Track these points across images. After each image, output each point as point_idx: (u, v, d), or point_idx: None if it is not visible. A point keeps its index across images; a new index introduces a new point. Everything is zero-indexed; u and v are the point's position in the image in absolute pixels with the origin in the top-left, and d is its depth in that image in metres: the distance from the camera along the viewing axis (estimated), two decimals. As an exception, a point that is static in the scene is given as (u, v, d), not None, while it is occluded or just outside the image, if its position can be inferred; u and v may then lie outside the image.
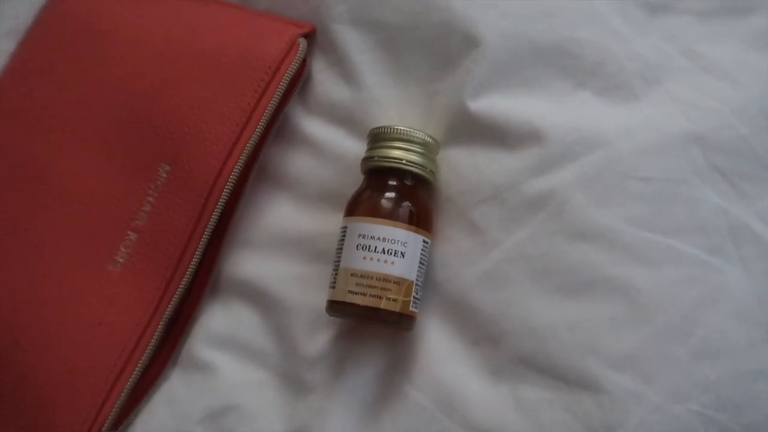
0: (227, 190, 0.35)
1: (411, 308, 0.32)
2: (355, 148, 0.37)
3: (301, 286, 0.36)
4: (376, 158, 0.33)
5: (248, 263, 0.37)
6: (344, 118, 0.38)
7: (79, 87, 0.38)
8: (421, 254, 0.32)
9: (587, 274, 0.32)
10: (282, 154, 0.38)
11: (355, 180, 0.36)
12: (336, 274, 0.32)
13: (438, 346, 0.34)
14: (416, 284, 0.32)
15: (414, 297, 0.32)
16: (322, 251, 0.36)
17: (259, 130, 0.36)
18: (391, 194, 0.33)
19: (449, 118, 0.35)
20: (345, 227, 0.33)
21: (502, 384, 0.32)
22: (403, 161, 0.33)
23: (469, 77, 0.35)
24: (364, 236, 0.31)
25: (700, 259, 0.32)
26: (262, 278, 0.37)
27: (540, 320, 0.32)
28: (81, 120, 0.38)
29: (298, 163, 0.38)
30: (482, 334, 0.33)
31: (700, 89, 0.34)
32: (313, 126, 0.38)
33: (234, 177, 0.35)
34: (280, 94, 0.36)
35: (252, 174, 0.37)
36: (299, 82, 0.38)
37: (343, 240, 0.33)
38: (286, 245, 0.37)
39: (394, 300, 0.31)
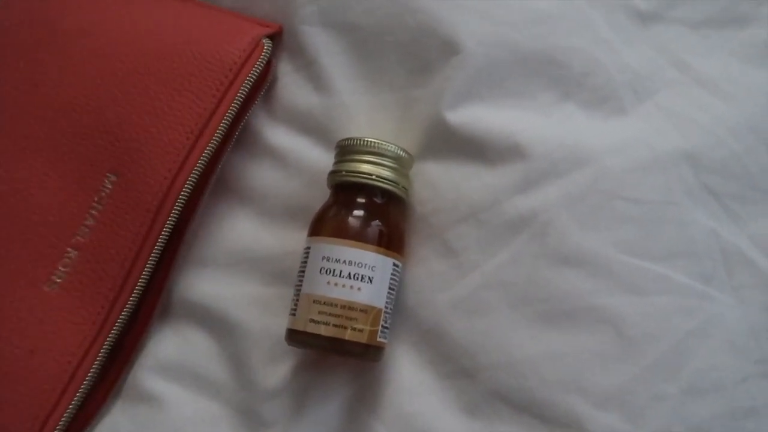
0: (179, 204, 0.32)
1: (378, 338, 0.29)
2: (322, 159, 0.34)
3: (260, 310, 0.33)
4: (343, 172, 0.30)
5: (203, 284, 0.34)
6: (311, 127, 0.35)
7: (24, 81, 0.34)
8: (391, 279, 0.30)
9: (571, 302, 0.29)
10: (243, 164, 0.35)
11: (322, 194, 0.33)
12: (297, 300, 0.29)
13: (408, 379, 0.31)
14: (385, 312, 0.29)
15: (382, 326, 0.29)
16: (285, 271, 0.33)
17: (217, 138, 0.32)
18: (359, 212, 0.30)
19: (425, 129, 0.33)
20: (308, 248, 0.30)
21: (477, 421, 0.29)
22: (373, 176, 0.30)
23: (447, 85, 0.32)
24: (328, 259, 0.29)
25: (691, 288, 0.29)
26: (217, 301, 0.34)
27: (519, 352, 0.29)
28: (23, 119, 0.34)
29: (260, 175, 0.35)
30: (456, 366, 0.30)
31: (691, 103, 0.32)
32: (277, 134, 0.35)
33: (187, 190, 0.32)
34: (241, 98, 0.33)
35: (209, 187, 0.34)
36: (263, 87, 0.35)
37: (305, 262, 0.30)
38: (245, 264, 0.34)
39: (360, 330, 0.28)
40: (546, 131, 0.31)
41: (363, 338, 0.28)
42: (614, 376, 0.28)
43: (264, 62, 0.34)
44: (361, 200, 0.30)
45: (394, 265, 0.30)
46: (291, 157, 0.35)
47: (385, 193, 0.31)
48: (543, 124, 0.32)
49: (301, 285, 0.29)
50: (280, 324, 0.32)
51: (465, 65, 0.32)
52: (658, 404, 0.28)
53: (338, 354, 0.29)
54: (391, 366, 0.31)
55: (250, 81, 0.33)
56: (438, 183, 0.32)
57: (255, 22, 0.35)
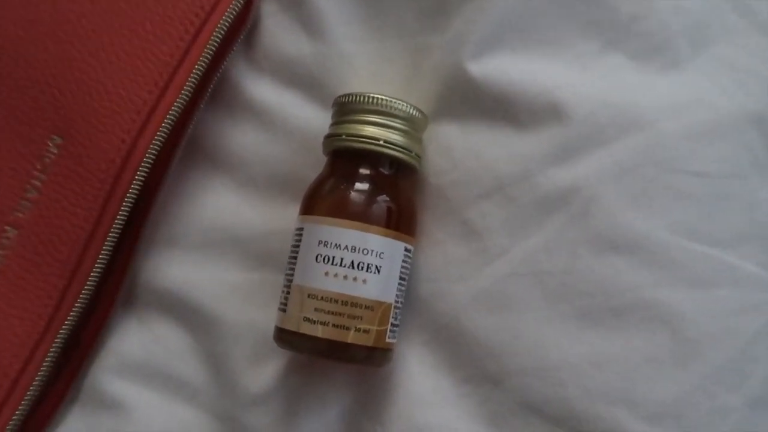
0: (142, 173, 0.26)
1: (387, 339, 0.24)
2: (316, 118, 0.28)
3: (242, 300, 0.28)
4: (343, 136, 0.25)
5: (173, 268, 0.29)
6: (302, 79, 0.29)
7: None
8: (402, 267, 0.24)
9: (618, 297, 0.24)
10: (219, 124, 0.29)
11: (316, 162, 0.27)
12: (288, 293, 0.24)
13: (419, 384, 0.26)
14: (395, 307, 0.24)
15: (392, 324, 0.24)
16: (271, 254, 0.28)
17: (187, 92, 0.27)
18: (363, 186, 0.25)
19: (441, 83, 0.27)
20: (301, 229, 0.24)
21: (503, 435, 0.25)
22: (381, 141, 0.24)
23: (469, 30, 0.26)
24: (326, 243, 0.23)
25: (759, 279, 0.25)
26: (191, 288, 0.28)
27: (556, 356, 0.24)
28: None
29: (240, 138, 0.29)
30: (477, 370, 0.25)
31: (755, 55, 0.27)
32: (260, 88, 0.29)
33: (151, 156, 0.26)
34: (215, 43, 0.27)
35: (178, 152, 0.28)
36: (243, 29, 0.28)
37: (298, 246, 0.24)
38: (224, 245, 0.29)
39: (366, 331, 0.23)
40: (588, 88, 0.26)
41: (369, 341, 0.23)
42: (669, 385, 0.24)
43: (241, 2, 0.27)
44: (364, 171, 0.25)
45: (406, 250, 0.25)
46: (277, 115, 0.29)
47: (394, 161, 0.25)
48: (585, 80, 0.26)
49: (292, 274, 0.24)
50: (267, 316, 0.27)
51: (490, 6, 0.26)
52: (719, 418, 0.24)
53: (337, 360, 0.24)
54: (400, 368, 0.26)
55: (227, 21, 0.27)
56: (457, 149, 0.27)
57: None
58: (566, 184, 0.25)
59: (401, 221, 0.25)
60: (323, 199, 0.25)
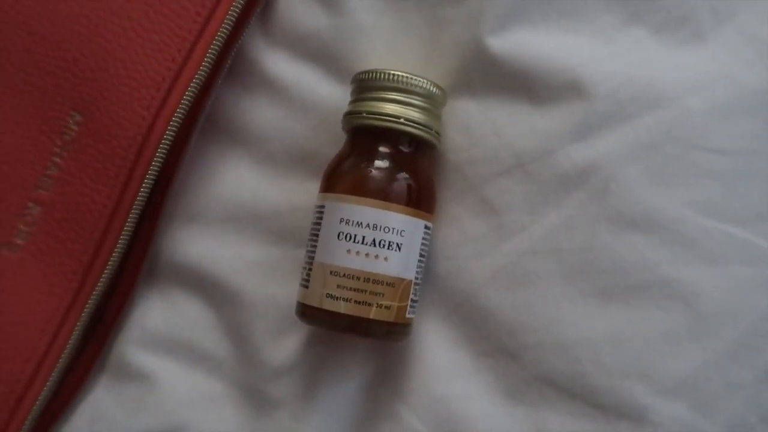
0: (163, 150, 0.26)
1: (407, 315, 0.24)
2: (334, 93, 0.28)
3: (263, 275, 0.28)
4: (364, 114, 0.25)
5: (195, 244, 0.29)
6: (319, 54, 0.28)
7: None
8: (422, 245, 0.25)
9: (637, 274, 0.25)
10: (236, 100, 0.29)
11: (334, 137, 0.27)
12: (310, 270, 0.24)
13: (438, 357, 0.27)
14: (415, 284, 0.25)
15: (411, 300, 0.25)
16: (292, 229, 0.28)
17: (206, 67, 0.26)
18: (385, 164, 0.25)
19: (460, 58, 0.27)
20: (322, 206, 0.25)
21: (520, 407, 0.26)
22: (401, 119, 0.24)
23: (489, 3, 0.26)
24: (348, 222, 0.23)
25: (776, 256, 0.25)
26: (212, 263, 0.29)
27: (573, 332, 0.25)
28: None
29: (258, 114, 0.29)
30: (495, 344, 0.26)
31: None
32: (277, 63, 0.29)
33: (171, 132, 0.26)
34: (233, 17, 0.27)
35: (197, 128, 0.28)
36: (259, 4, 0.28)
37: (319, 224, 0.24)
38: (243, 221, 0.29)
39: (387, 307, 0.24)
40: (610, 63, 0.26)
41: (390, 316, 0.24)
42: (685, 360, 0.24)
43: None
44: (385, 149, 0.25)
45: (425, 227, 0.25)
46: (295, 91, 0.29)
47: (413, 139, 0.25)
48: (606, 54, 0.26)
49: (314, 251, 0.24)
50: (288, 290, 0.27)
51: None
52: (732, 392, 0.24)
53: (359, 335, 0.25)
54: (419, 342, 0.27)
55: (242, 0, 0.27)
56: (475, 126, 0.27)
57: None
58: (586, 161, 0.25)
59: (421, 199, 0.25)
60: (344, 176, 0.25)
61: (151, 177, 0.27)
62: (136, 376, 0.28)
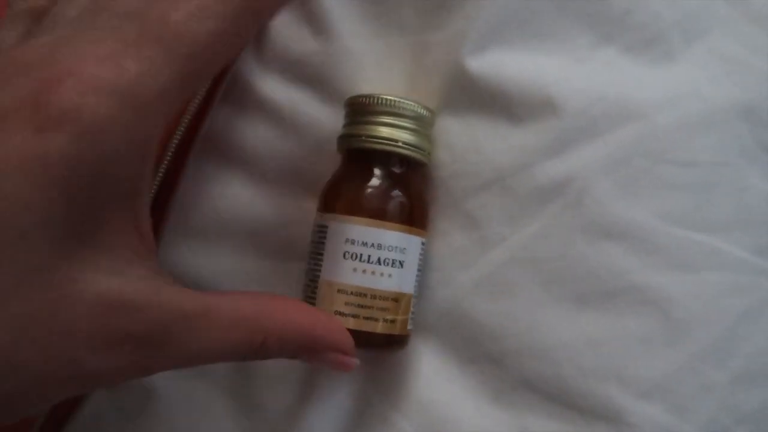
0: (160, 171, 0.28)
1: (408, 327, 0.26)
2: (324, 114, 0.30)
3: (258, 287, 0.30)
4: (363, 137, 0.26)
5: (193, 258, 0.30)
6: (310, 77, 0.30)
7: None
8: (419, 258, 0.26)
9: (611, 281, 0.26)
10: (233, 122, 0.31)
11: (325, 156, 0.29)
12: (315, 288, 0.25)
13: (426, 363, 0.28)
14: (414, 297, 0.26)
15: (411, 312, 0.26)
16: (285, 244, 0.30)
17: (200, 96, 0.28)
18: (383, 184, 0.26)
19: (442, 79, 0.28)
20: (324, 227, 0.26)
21: (504, 411, 0.27)
22: (399, 143, 0.26)
23: (468, 26, 0.27)
24: (353, 242, 0.25)
25: (745, 263, 0.26)
26: (206, 277, 0.30)
27: (552, 337, 0.26)
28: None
29: (253, 134, 0.30)
30: (480, 351, 0.27)
31: (746, 45, 0.28)
32: (271, 86, 0.30)
33: (168, 154, 0.28)
34: None
35: (193, 151, 0.29)
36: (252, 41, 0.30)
37: (323, 243, 0.25)
38: (240, 236, 0.30)
39: (393, 321, 0.25)
40: (583, 82, 0.27)
41: (395, 329, 0.25)
42: (659, 363, 0.25)
43: None
44: (381, 170, 0.26)
45: (422, 243, 0.26)
46: (287, 112, 0.30)
47: (405, 160, 0.26)
48: (579, 74, 0.27)
49: (318, 270, 0.25)
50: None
51: (488, 3, 0.27)
52: (705, 394, 0.25)
53: (365, 348, 0.26)
54: (408, 350, 0.28)
55: None
56: (458, 143, 0.28)
57: None
58: (561, 175, 0.27)
59: (419, 217, 0.26)
60: (347, 197, 0.26)
61: (152, 192, 0.28)
62: (134, 383, 0.29)
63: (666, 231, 0.26)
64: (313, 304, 0.25)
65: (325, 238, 0.25)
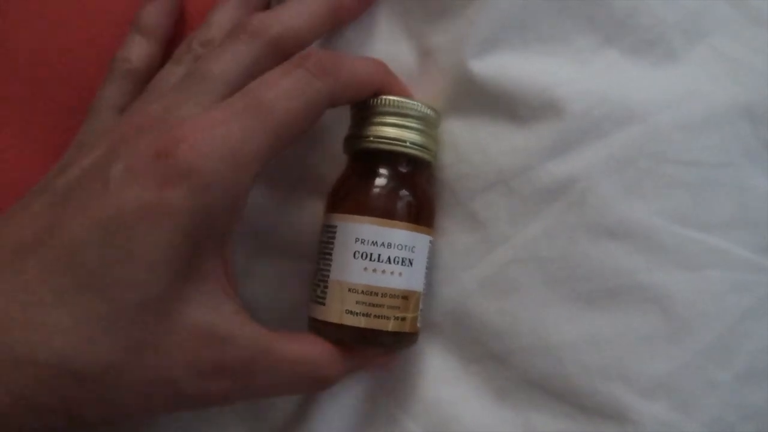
0: None
1: (417, 324, 0.26)
2: (330, 118, 0.29)
3: (263, 288, 0.30)
4: (372, 138, 0.26)
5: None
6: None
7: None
8: (427, 256, 0.27)
9: (615, 280, 0.26)
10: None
11: (331, 158, 0.29)
12: (325, 287, 0.25)
13: (430, 362, 0.28)
14: (423, 295, 0.26)
15: (420, 310, 0.26)
16: (290, 244, 0.30)
17: None
18: (392, 184, 0.26)
19: (447, 82, 0.29)
20: (334, 227, 0.26)
21: (508, 409, 0.27)
22: (407, 143, 0.26)
23: (471, 30, 0.28)
24: (363, 241, 0.25)
25: (747, 261, 0.26)
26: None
27: (556, 336, 0.26)
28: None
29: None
30: (484, 349, 0.27)
31: (748, 46, 0.28)
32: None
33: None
34: None
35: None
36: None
37: (332, 243, 0.26)
38: (246, 237, 0.31)
39: (403, 319, 0.25)
40: (586, 84, 0.27)
41: (405, 327, 0.25)
42: (663, 361, 0.25)
43: None
44: (388, 170, 0.26)
45: (429, 242, 0.27)
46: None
47: (411, 160, 0.27)
48: (582, 75, 0.28)
49: (328, 270, 0.26)
50: (286, 300, 0.30)
51: (491, 6, 0.28)
52: (710, 392, 0.25)
53: (373, 346, 0.26)
54: (413, 348, 0.28)
55: None
56: (462, 144, 0.28)
57: None
58: (564, 175, 0.27)
59: (426, 216, 0.27)
60: (355, 198, 0.26)
61: None
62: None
63: (669, 230, 0.26)
64: (323, 304, 0.25)
65: (334, 238, 0.25)
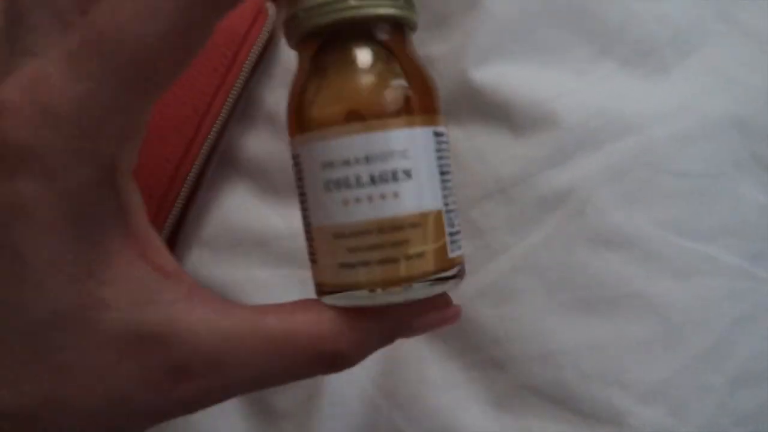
0: (185, 190, 0.29)
1: (451, 254, 0.19)
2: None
3: (265, 294, 0.30)
4: (310, 12, 0.18)
5: (207, 266, 0.31)
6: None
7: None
8: (439, 158, 0.18)
9: (612, 288, 0.27)
10: (245, 136, 0.31)
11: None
12: (312, 239, 0.19)
13: (431, 368, 0.29)
14: (447, 211, 0.19)
15: (450, 234, 0.19)
16: (293, 252, 0.30)
17: (223, 115, 0.29)
18: (360, 66, 0.18)
19: (447, 90, 0.29)
20: (297, 156, 0.19)
21: (508, 415, 0.27)
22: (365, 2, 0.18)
23: (471, 40, 0.28)
24: (331, 164, 0.17)
25: (739, 269, 0.27)
26: (222, 284, 0.31)
27: (555, 343, 0.27)
28: None
29: (262, 148, 0.31)
30: (484, 356, 0.28)
31: (738, 60, 0.29)
32: (279, 102, 0.31)
33: (193, 175, 0.29)
34: (246, 72, 0.29)
35: (211, 166, 0.31)
36: (266, 54, 0.31)
37: (301, 179, 0.19)
38: (251, 245, 0.31)
39: (420, 255, 0.18)
40: (583, 95, 0.28)
41: (428, 265, 0.18)
42: (659, 367, 0.26)
43: (268, 31, 0.30)
44: (355, 49, 0.18)
45: (436, 134, 0.18)
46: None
47: (386, 22, 0.18)
48: (579, 86, 0.28)
49: (308, 216, 0.19)
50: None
51: (489, 17, 0.28)
52: (704, 396, 0.26)
53: (400, 303, 0.19)
54: (413, 355, 0.29)
55: (255, 53, 0.29)
56: (462, 152, 0.29)
57: None
58: (563, 185, 0.27)
59: (418, 99, 0.18)
60: (309, 104, 0.18)
61: (177, 209, 0.29)
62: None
63: (664, 239, 0.27)
64: (315, 261, 0.19)
65: (302, 171, 0.18)
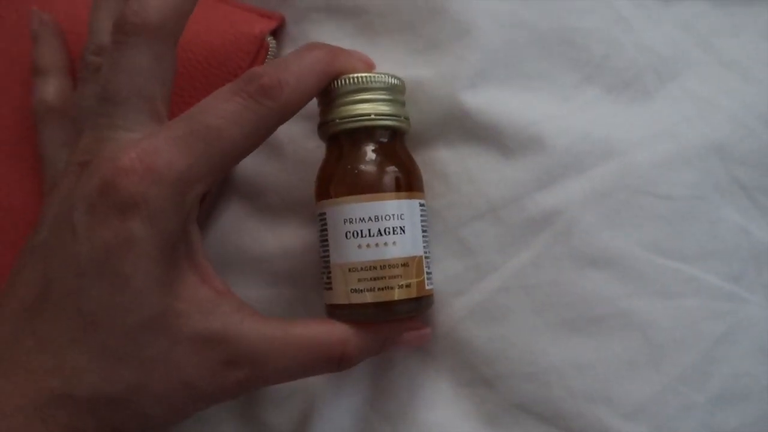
0: None
1: (426, 287, 0.27)
2: (322, 149, 0.31)
3: (261, 311, 0.31)
4: (336, 120, 0.27)
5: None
6: (309, 113, 0.32)
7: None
8: (422, 221, 0.27)
9: (598, 307, 0.27)
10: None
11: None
12: (329, 273, 0.27)
13: (422, 386, 0.29)
14: (425, 257, 0.27)
15: (426, 273, 0.27)
16: (286, 272, 0.31)
17: None
18: (368, 159, 0.27)
19: (437, 113, 0.30)
20: (323, 213, 0.27)
21: (498, 432, 0.28)
22: (371, 115, 0.27)
23: (462, 65, 0.29)
24: (350, 221, 0.26)
25: (720, 289, 0.28)
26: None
27: (543, 361, 0.27)
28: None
29: (257, 168, 0.32)
30: (474, 375, 0.28)
31: (718, 88, 0.30)
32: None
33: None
34: None
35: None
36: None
37: (325, 230, 0.27)
38: (245, 264, 0.31)
39: (408, 285, 0.26)
40: (568, 120, 0.29)
41: (413, 292, 0.26)
42: (643, 385, 0.27)
43: None
44: (365, 146, 0.27)
45: (420, 205, 0.27)
46: (288, 147, 0.32)
47: (385, 131, 0.27)
48: (565, 111, 0.29)
49: (327, 255, 0.27)
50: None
51: (479, 44, 0.29)
52: (687, 415, 0.27)
53: (390, 317, 0.26)
54: (405, 372, 0.29)
55: None
56: (452, 174, 0.30)
57: (256, 14, 0.32)
58: (550, 206, 0.28)
59: (411, 181, 0.27)
60: (336, 181, 0.27)
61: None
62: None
63: (647, 259, 0.27)
64: (331, 288, 0.26)
65: (326, 224, 0.27)
